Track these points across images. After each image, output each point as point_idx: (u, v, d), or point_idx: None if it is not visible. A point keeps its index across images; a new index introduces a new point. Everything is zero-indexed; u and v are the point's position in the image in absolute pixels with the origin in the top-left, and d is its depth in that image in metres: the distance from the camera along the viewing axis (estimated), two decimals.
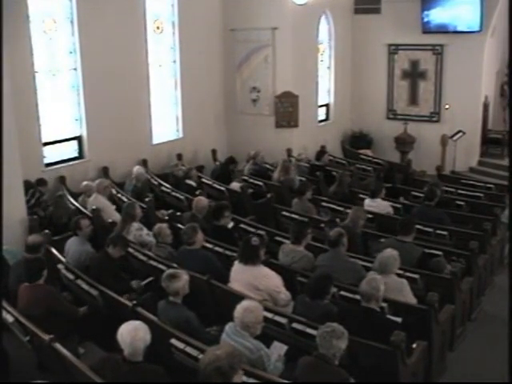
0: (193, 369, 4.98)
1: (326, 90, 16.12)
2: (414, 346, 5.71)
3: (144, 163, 11.89)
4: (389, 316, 5.82)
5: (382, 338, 5.26)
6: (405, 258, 6.87)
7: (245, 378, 4.50)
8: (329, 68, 16.08)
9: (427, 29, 15.12)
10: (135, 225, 8.28)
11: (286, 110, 13.97)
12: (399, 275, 6.64)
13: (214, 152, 13.48)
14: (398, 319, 5.70)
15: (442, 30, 15.02)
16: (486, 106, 15.93)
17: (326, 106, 16.24)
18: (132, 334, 4.60)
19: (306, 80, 14.60)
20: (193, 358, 5.14)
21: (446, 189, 11.01)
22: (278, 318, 5.75)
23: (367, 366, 5.21)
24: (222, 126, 14.62)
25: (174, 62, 13.21)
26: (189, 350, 5.21)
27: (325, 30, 15.59)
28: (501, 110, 17.07)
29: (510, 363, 4.84)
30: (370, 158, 14.51)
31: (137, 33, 12.03)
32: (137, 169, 11.03)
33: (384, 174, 12.15)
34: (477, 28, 14.53)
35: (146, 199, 9.51)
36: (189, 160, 13.04)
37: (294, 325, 5.66)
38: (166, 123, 13.32)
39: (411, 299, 6.52)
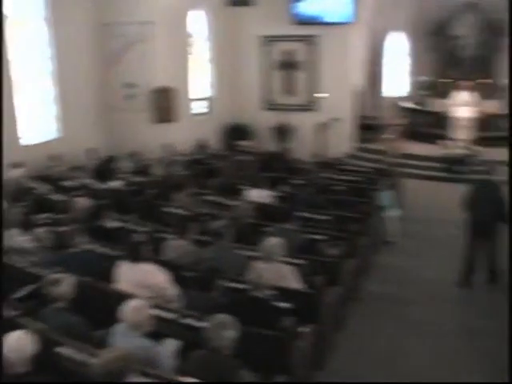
0: (83, 375, 4.85)
1: (206, 83, 16.13)
2: (304, 329, 5.86)
3: (19, 166, 11.34)
4: (277, 303, 5.92)
5: (272, 324, 5.36)
6: (289, 245, 7.01)
7: (138, 378, 4.44)
8: (208, 61, 16.11)
9: (298, 20, 15.44)
10: (13, 231, 7.93)
11: (163, 105, 13.82)
12: (284, 262, 6.77)
13: (92, 151, 13.11)
14: (287, 305, 5.82)
15: (313, 21, 15.39)
16: (358, 94, 16.56)
17: (207, 99, 16.26)
18: (16, 343, 4.41)
19: (183, 74, 14.55)
20: (82, 364, 4.99)
21: (325, 175, 11.36)
22: (167, 315, 5.71)
23: (260, 354, 5.28)
24: (100, 124, 14.22)
25: (49, 59, 12.72)
26: (77, 356, 5.05)
27: (201, 23, 15.58)
28: (372, 97, 17.85)
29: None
30: (250, 149, 14.70)
31: (4, 30, 11.44)
32: (12, 172, 10.55)
33: (264, 164, 12.36)
34: (347, 19, 15.01)
35: (24, 203, 9.14)
36: (67, 160, 12.61)
37: (184, 320, 5.64)
38: (42, 123, 12.83)
39: (298, 285, 6.66)
